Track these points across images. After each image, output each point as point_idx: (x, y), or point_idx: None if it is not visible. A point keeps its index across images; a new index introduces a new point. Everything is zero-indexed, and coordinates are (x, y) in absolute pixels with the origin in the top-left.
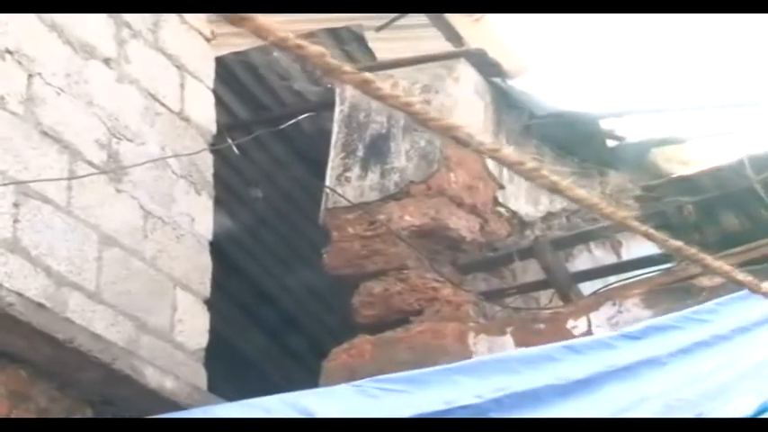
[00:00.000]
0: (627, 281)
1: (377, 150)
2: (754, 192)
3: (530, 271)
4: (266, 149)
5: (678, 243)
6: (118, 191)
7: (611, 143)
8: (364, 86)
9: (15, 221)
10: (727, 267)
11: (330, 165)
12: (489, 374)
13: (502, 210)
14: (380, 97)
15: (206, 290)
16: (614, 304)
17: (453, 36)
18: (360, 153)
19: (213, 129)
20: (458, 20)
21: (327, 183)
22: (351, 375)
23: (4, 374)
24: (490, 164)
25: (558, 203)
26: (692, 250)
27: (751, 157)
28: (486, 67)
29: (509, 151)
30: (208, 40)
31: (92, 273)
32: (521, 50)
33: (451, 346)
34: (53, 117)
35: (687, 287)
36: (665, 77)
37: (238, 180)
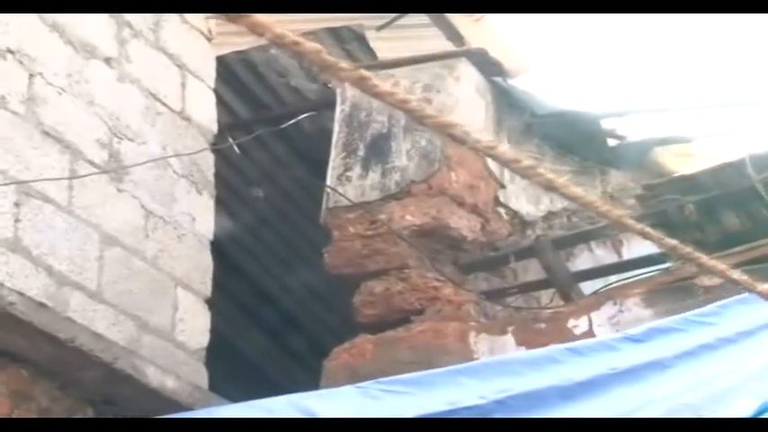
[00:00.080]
0: (628, 280)
1: (378, 150)
2: (755, 191)
3: (531, 270)
4: (267, 149)
5: (674, 242)
6: (119, 190)
7: (612, 142)
8: (361, 83)
9: (17, 221)
10: (722, 266)
11: (331, 164)
12: (492, 376)
13: (503, 209)
14: (377, 94)
15: (207, 289)
16: (615, 303)
17: (454, 35)
18: (361, 152)
19: (214, 128)
20: (459, 19)
21: (328, 182)
22: (352, 375)
23: (6, 374)
24: (491, 163)
25: (559, 203)
26: (688, 249)
27: (752, 157)
28: (487, 66)
29: (505, 149)
30: (209, 39)
31: (93, 272)
32: (522, 50)
33: (453, 346)
34: (54, 117)
35: (688, 286)
36: (666, 77)
37: (239, 180)
